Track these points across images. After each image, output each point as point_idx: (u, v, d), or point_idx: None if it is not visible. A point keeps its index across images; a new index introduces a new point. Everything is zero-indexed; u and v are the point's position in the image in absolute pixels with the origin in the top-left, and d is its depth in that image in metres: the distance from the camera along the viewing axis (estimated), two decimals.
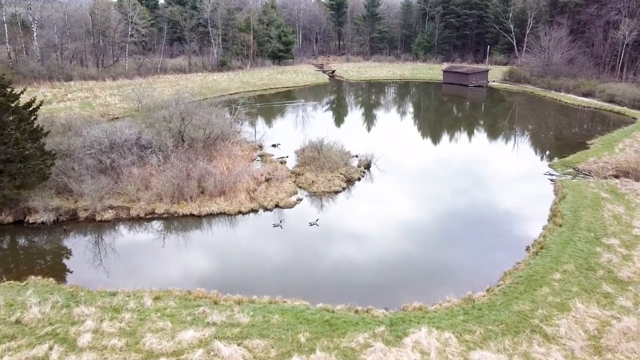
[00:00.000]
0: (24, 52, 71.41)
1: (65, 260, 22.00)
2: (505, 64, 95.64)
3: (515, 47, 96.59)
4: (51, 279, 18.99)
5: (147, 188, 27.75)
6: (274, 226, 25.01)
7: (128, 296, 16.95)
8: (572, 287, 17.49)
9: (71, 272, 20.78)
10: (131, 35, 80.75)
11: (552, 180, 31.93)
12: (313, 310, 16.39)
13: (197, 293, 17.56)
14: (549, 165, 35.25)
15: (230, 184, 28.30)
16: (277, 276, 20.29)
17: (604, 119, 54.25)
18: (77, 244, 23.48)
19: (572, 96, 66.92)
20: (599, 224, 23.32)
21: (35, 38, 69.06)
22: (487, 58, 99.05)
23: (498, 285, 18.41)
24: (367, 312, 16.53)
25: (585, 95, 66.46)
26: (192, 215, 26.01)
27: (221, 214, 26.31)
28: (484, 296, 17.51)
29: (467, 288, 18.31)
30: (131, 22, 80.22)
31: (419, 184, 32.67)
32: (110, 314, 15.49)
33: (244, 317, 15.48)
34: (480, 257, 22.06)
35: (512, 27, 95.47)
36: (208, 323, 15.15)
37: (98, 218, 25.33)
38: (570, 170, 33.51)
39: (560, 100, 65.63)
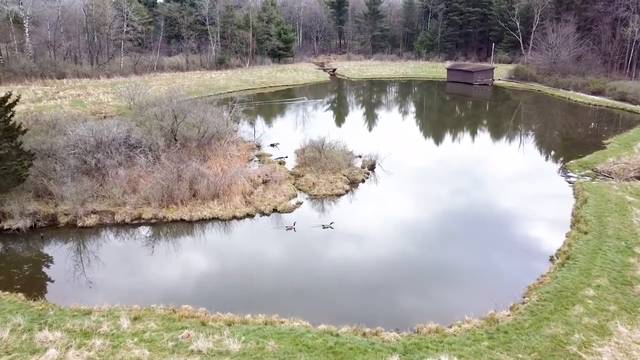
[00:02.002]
0: (16, 49, 69.25)
1: (40, 272, 19.85)
2: (510, 62, 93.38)
3: (522, 45, 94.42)
4: (20, 294, 16.84)
5: (134, 191, 25.64)
6: (287, 229, 23.08)
7: (103, 316, 14.83)
8: (609, 305, 15.35)
9: (46, 285, 18.70)
10: (127, 32, 78.59)
11: (570, 182, 29.80)
12: (314, 333, 14.26)
13: (183, 312, 15.45)
14: (565, 167, 33.09)
15: (224, 187, 26.20)
16: (274, 288, 18.29)
17: (617, 118, 52.04)
18: (56, 252, 21.43)
19: (581, 94, 64.69)
20: (629, 231, 21.19)
21: (27, 34, 66.91)
22: (492, 56, 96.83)
23: (523, 303, 16.30)
24: (376, 334, 14.44)
25: (594, 93, 64.28)
26: (182, 220, 23.94)
27: (214, 219, 24.22)
28: (509, 316, 15.39)
29: (486, 303, 16.28)
30: (127, 18, 78.11)
31: (426, 186, 30.52)
32: (78, 339, 13.31)
33: (235, 343, 13.34)
34: (498, 267, 20.06)
35: (517, 24, 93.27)
36: (192, 351, 13.00)
37: (79, 224, 23.22)
38: (589, 171, 31.37)
39: (569, 98, 63.42)
